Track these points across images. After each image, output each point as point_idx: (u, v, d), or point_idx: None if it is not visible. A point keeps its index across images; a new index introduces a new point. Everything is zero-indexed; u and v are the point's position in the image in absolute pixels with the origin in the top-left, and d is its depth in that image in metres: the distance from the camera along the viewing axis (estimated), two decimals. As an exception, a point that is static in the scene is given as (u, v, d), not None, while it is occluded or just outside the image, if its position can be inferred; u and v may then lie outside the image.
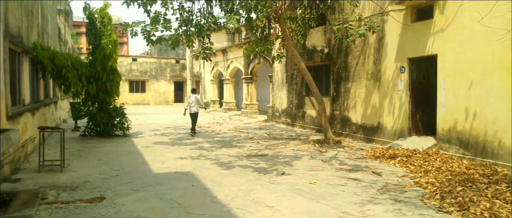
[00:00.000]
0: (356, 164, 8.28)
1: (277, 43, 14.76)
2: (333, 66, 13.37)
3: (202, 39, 11.26)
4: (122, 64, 36.35)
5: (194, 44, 12.00)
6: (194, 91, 14.81)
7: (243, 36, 25.79)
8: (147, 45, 10.82)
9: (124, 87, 36.53)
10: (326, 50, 13.76)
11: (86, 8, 12.74)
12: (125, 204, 5.34)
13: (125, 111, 13.28)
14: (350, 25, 10.33)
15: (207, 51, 12.01)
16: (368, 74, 11.62)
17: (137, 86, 38.37)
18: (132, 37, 10.68)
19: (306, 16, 11.85)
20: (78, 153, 9.51)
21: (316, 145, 10.90)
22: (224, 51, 25.82)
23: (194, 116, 14.11)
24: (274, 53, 15.05)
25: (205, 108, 14.42)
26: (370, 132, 11.57)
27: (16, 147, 7.06)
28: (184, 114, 14.53)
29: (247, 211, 5.12)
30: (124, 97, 35.48)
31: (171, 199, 5.63)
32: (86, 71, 11.65)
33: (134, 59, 38.50)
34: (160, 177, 7.02)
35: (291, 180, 6.84)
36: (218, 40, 27.73)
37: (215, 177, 7.08)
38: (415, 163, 7.99)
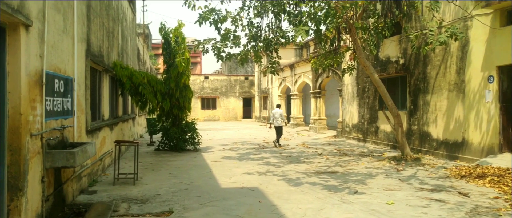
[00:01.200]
0: (439, 184, 7.48)
1: (347, 55, 14.23)
2: (409, 78, 12.50)
3: (270, 53, 11.24)
4: (195, 82, 37.95)
5: (262, 60, 12.01)
6: (278, 106, 15.66)
7: (311, 51, 25.47)
8: (217, 61, 11.04)
9: (196, 104, 38.00)
10: (401, 61, 12.94)
11: (162, 28, 13.44)
12: (191, 219, 5.28)
13: (196, 127, 13.61)
14: (431, 31, 9.50)
15: (274, 65, 11.95)
16: (450, 85, 10.64)
17: (208, 103, 39.68)
18: (203, 54, 10.98)
19: (380, 25, 11.25)
20: (151, 166, 9.85)
21: (392, 162, 10.13)
22: (291, 66, 25.69)
23: (278, 130, 14.92)
24: (344, 65, 14.52)
25: (286, 123, 15.01)
26: (453, 148, 10.50)
27: (94, 160, 7.45)
28: (270, 127, 15.21)
29: (317, 232, 4.76)
30: (196, 113, 36.92)
31: (237, 215, 5.47)
32: (161, 88, 12.21)
33: (206, 77, 39.96)
34: (227, 192, 6.93)
35: (365, 200, 6.33)
36: (286, 56, 27.77)
37: (283, 193, 6.80)
38: (509, 184, 7.00)
